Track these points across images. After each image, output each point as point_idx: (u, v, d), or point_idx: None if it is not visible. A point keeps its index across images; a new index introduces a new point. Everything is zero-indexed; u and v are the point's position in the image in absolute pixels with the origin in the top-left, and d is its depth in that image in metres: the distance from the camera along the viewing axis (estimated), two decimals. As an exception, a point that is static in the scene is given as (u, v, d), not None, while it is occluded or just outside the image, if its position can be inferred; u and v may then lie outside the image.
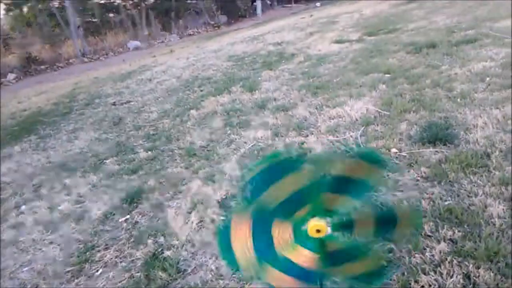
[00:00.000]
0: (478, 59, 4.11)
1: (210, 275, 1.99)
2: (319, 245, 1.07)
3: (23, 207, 3.10)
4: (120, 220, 2.68)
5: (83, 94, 7.04)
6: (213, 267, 2.04)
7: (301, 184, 1.07)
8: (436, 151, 2.56)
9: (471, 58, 4.23)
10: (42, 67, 13.05)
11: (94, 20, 17.57)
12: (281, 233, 1.07)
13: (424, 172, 2.36)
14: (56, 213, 2.91)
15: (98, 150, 4.05)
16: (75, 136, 4.63)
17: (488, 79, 3.54)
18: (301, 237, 1.07)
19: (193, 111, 4.64)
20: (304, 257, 1.07)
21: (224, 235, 1.10)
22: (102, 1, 18.05)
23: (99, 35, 16.19)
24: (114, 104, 5.83)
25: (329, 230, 1.07)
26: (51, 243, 2.55)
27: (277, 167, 1.09)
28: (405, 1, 10.57)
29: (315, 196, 1.09)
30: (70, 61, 13.79)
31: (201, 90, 5.58)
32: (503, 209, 1.90)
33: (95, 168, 3.61)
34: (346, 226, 1.09)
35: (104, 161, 3.73)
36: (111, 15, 18.49)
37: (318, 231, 1.06)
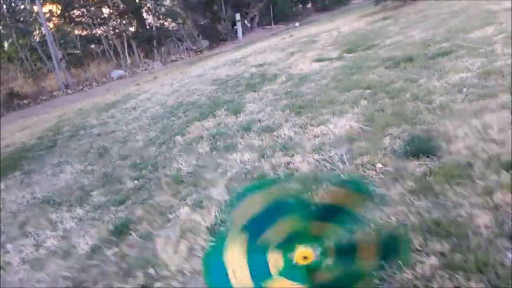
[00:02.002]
0: (454, 71, 4.21)
1: (202, 305, 1.95)
2: (306, 273, 1.07)
3: (9, 246, 3.03)
4: (108, 253, 2.63)
5: (67, 127, 6.99)
6: (204, 297, 2.01)
7: (287, 211, 1.08)
8: (420, 164, 2.59)
9: (448, 70, 4.33)
10: (25, 101, 12.97)
11: (76, 51, 17.63)
12: (274, 257, 1.07)
13: (410, 186, 2.38)
14: (42, 250, 2.85)
15: (84, 182, 4.00)
16: (60, 170, 4.57)
17: (465, 89, 3.63)
18: (288, 266, 1.06)
19: (178, 137, 4.63)
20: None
21: (215, 258, 1.09)
22: (84, 33, 18.15)
23: (81, 66, 16.22)
24: (99, 135, 5.79)
25: (315, 256, 1.07)
26: (38, 282, 2.49)
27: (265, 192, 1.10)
28: (380, 18, 10.84)
29: (302, 223, 1.10)
30: (54, 93, 13.73)
31: (186, 116, 5.59)
32: (489, 219, 1.91)
33: (81, 201, 3.56)
34: (334, 252, 1.09)
35: (91, 193, 3.68)
36: (92, 46, 18.58)
37: (305, 257, 1.06)
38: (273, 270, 1.08)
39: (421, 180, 2.40)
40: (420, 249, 1.86)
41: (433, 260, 1.76)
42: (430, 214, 2.08)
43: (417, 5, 11.36)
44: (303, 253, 1.06)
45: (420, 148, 2.75)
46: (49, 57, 14.76)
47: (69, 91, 13.91)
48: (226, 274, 1.07)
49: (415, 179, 2.43)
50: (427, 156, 2.65)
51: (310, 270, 1.07)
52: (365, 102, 4.05)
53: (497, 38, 4.98)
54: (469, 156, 2.52)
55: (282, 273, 1.08)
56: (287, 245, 1.08)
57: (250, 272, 1.07)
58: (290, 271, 1.07)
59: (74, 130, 6.55)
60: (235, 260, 1.08)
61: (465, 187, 2.23)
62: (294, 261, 1.06)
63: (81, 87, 14.33)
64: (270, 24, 20.70)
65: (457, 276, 1.65)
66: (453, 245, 1.82)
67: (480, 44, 4.94)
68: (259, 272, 1.07)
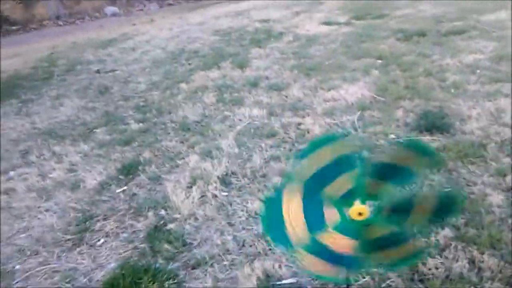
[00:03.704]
0: (468, 51, 4.23)
1: (217, 250, 2.01)
2: (359, 228, 1.11)
3: (12, 173, 3.00)
4: (117, 191, 2.64)
5: (62, 59, 6.76)
6: (218, 242, 2.06)
7: (349, 169, 1.10)
8: (434, 139, 2.65)
9: (461, 49, 4.34)
10: (14, 27, 12.37)
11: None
12: (330, 212, 1.11)
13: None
14: (48, 180, 2.83)
15: (86, 118, 3.93)
16: (59, 103, 4.46)
17: (478, 71, 3.66)
18: (343, 221, 1.10)
19: (183, 85, 4.56)
20: (342, 243, 1.11)
21: (273, 206, 1.12)
22: (78, -39, 17.13)
23: (74, -3, 15.43)
24: (98, 72, 5.64)
25: (370, 213, 1.11)
26: (46, 210, 2.50)
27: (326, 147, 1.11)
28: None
29: (360, 181, 1.12)
30: (44, 23, 13.11)
31: (189, 64, 5.48)
32: (502, 199, 2.00)
33: (84, 136, 3.52)
34: (394, 210, 1.13)
35: (94, 130, 3.64)
36: (87, -23, 17.60)
37: (360, 214, 1.10)
38: (328, 223, 1.11)
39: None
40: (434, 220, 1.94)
41: (447, 231, 1.84)
42: (443, 188, 2.16)
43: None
44: (358, 209, 1.10)
45: (434, 123, 2.80)
46: (41, -17, 13.97)
47: (60, 23, 13.32)
48: (283, 223, 1.10)
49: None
50: (441, 133, 2.71)
51: (364, 226, 1.11)
52: (377, 72, 4.05)
53: (510, 24, 4.98)
54: (482, 137, 2.59)
55: (337, 228, 1.12)
56: (344, 200, 1.11)
57: (306, 224, 1.10)
58: (344, 225, 1.11)
59: (70, 64, 6.34)
60: (293, 211, 1.11)
61: (478, 166, 2.31)
62: (349, 217, 1.10)
63: (73, 20, 13.72)
64: (274, -21, 19.99)
65: (470, 248, 1.74)
66: (466, 220, 1.90)
67: (494, 27, 4.94)
68: (315, 224, 1.11)
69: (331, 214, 1.12)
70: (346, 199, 1.11)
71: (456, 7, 6.70)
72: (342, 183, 1.11)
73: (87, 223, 2.33)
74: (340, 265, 1.16)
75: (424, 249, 1.50)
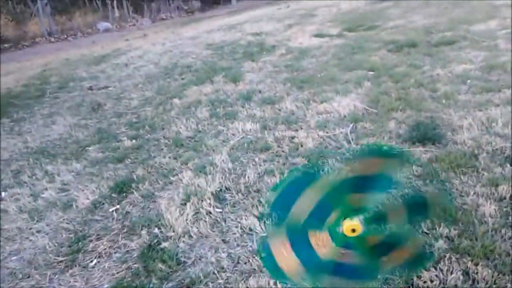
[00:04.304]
0: (458, 61, 4.27)
1: (211, 267, 1.99)
2: (360, 242, 1.10)
3: (3, 194, 2.96)
4: (110, 210, 2.62)
5: (55, 77, 6.76)
6: (213, 260, 2.05)
7: (324, 191, 1.10)
8: (426, 150, 2.66)
9: (451, 59, 4.39)
10: (6, 45, 12.38)
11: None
12: (320, 241, 1.10)
13: (416, 171, 2.45)
14: (40, 201, 2.80)
15: (78, 136, 3.92)
16: (52, 121, 4.45)
17: (469, 81, 3.69)
18: (340, 240, 1.09)
19: (176, 100, 4.56)
20: (349, 256, 1.10)
21: (268, 259, 1.12)
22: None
23: (67, 13, 15.52)
24: (90, 88, 5.64)
25: (363, 227, 1.11)
26: (38, 231, 2.46)
27: (299, 181, 1.11)
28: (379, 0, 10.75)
29: (342, 199, 1.12)
30: (36, 40, 13.15)
31: (182, 79, 5.50)
32: (494, 209, 2.00)
33: (77, 155, 3.50)
34: (378, 219, 1.13)
35: (87, 148, 3.62)
36: (80, -7, 17.73)
37: (353, 230, 1.09)
38: (320, 253, 1.11)
39: (427, 166, 2.47)
40: (428, 232, 1.94)
41: (441, 243, 1.84)
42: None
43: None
44: (351, 226, 1.09)
45: (425, 134, 2.81)
46: (34, 0, 14.04)
47: (52, 39, 13.35)
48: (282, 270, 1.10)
49: (422, 164, 2.49)
50: (433, 143, 2.72)
51: (362, 240, 1.11)
52: (369, 83, 4.07)
53: (500, 33, 5.05)
54: (474, 147, 2.60)
55: (337, 246, 1.11)
56: (332, 223, 1.11)
57: (300, 260, 1.10)
58: (344, 242, 1.11)
59: (63, 81, 6.34)
60: (284, 253, 1.10)
61: (470, 176, 2.31)
62: (344, 235, 1.09)
63: (65, 36, 13.77)
64: (266, -8, 20.20)
65: (465, 260, 1.73)
66: (459, 231, 1.90)
67: (483, 37, 5.00)
68: (308, 258, 1.10)
69: (321, 242, 1.12)
70: (335, 221, 1.11)
71: (446, 17, 6.79)
72: (325, 206, 1.11)
73: (79, 243, 2.30)
74: (355, 278, 1.16)
75: (426, 254, 1.50)
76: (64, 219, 2.57)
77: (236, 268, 1.97)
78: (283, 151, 3.01)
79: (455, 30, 5.63)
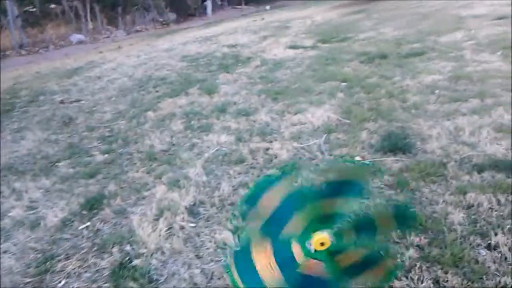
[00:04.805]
0: (426, 72, 4.39)
1: (184, 284, 1.95)
2: (329, 257, 1.10)
3: (-33, 213, 2.85)
4: (80, 228, 2.55)
5: (25, 90, 6.59)
6: (186, 276, 2.01)
7: (292, 195, 1.11)
8: (397, 160, 2.70)
9: (420, 70, 4.51)
10: (-26, 58, 12.03)
11: (33, 10, 16.50)
12: (296, 250, 1.10)
13: (387, 180, 2.48)
14: (6, 220, 2.70)
15: (48, 152, 3.81)
16: (21, 136, 4.32)
17: (437, 91, 3.79)
18: (310, 253, 1.09)
19: (150, 113, 4.51)
20: (319, 269, 1.10)
21: (242, 258, 1.10)
22: (43, -10, 16.98)
23: (38, 26, 15.22)
24: (62, 102, 5.52)
25: (332, 240, 1.11)
26: (5, 252, 2.37)
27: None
28: (352, 12, 11.01)
29: (314, 204, 1.12)
30: (7, 53, 12.83)
31: (157, 91, 5.46)
32: (462, 217, 2.05)
33: (46, 171, 3.40)
34: (347, 232, 1.14)
35: (56, 163, 3.53)
36: (52, 5, 17.45)
37: (322, 244, 1.09)
38: (299, 261, 1.10)
39: (398, 175, 2.51)
40: (399, 241, 1.96)
41: (412, 252, 1.86)
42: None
43: (387, 3, 11.63)
44: (319, 240, 1.09)
45: (396, 144, 2.87)
46: (4, 12, 13.72)
47: (23, 52, 13.06)
48: (257, 273, 1.08)
49: (393, 174, 2.53)
50: (403, 153, 2.77)
51: (331, 254, 1.11)
52: (342, 94, 4.14)
53: (466, 44, 5.23)
54: (443, 156, 2.66)
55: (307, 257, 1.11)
56: (304, 235, 1.11)
57: (279, 268, 1.09)
58: (314, 255, 1.10)
59: (33, 95, 6.19)
60: (263, 260, 1.09)
61: (439, 185, 2.36)
62: (314, 249, 1.09)
63: (37, 49, 13.49)
64: (241, 4, 20.38)
65: (435, 268, 1.76)
66: (430, 239, 1.93)
67: (450, 48, 5.17)
68: (287, 265, 1.09)
69: (298, 251, 1.12)
70: (306, 233, 1.11)
71: (415, 29, 7.00)
72: (300, 217, 1.11)
73: (47, 263, 2.22)
74: None
75: (397, 265, 1.51)
76: (31, 239, 2.48)
77: (209, 284, 1.94)
78: (257, 163, 3.01)
79: (424, 42, 5.81)
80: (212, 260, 2.09)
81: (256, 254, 1.09)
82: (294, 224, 1.09)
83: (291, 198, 1.11)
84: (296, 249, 1.10)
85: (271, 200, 1.09)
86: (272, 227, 1.08)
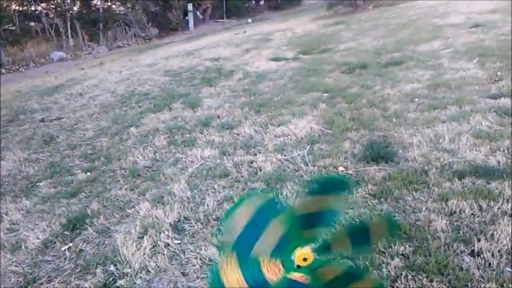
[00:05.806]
0: (406, 81, 4.47)
1: (170, 304, 1.92)
2: (311, 272, 1.09)
3: None
4: (62, 249, 2.49)
5: (5, 110, 6.48)
6: (171, 295, 1.98)
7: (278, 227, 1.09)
8: (380, 169, 2.73)
9: (400, 79, 4.59)
10: (-48, 77, 11.80)
11: (12, 28, 16.32)
12: (271, 268, 1.08)
13: (371, 190, 2.50)
14: (-14, 244, 2.63)
15: (28, 172, 3.74)
16: (1, 157, 4.23)
17: (417, 100, 3.86)
18: (291, 268, 1.08)
19: (132, 129, 4.48)
20: (299, 276, 1.08)
21: (216, 281, 1.08)
22: (22, 8, 16.85)
23: (18, 44, 15.06)
24: (42, 120, 5.44)
25: (315, 256, 1.10)
26: (-17, 278, 2.30)
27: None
28: (332, 23, 11.18)
29: (294, 234, 1.11)
30: (-15, 71, 12.63)
31: (140, 107, 5.42)
32: (445, 224, 2.07)
33: (27, 191, 3.33)
34: (329, 248, 1.13)
35: (37, 184, 3.46)
36: (32, 23, 17.31)
37: (305, 259, 1.08)
38: (270, 281, 1.08)
39: (381, 184, 2.53)
40: (384, 251, 1.96)
41: (397, 261, 1.87)
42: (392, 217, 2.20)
43: (367, 13, 11.86)
44: (302, 255, 1.08)
45: (379, 153, 2.90)
46: (-18, 32, 13.56)
47: (3, 71, 12.88)
48: None
49: (376, 183, 2.55)
50: (386, 162, 2.80)
51: (314, 269, 1.09)
52: (324, 105, 4.17)
53: (443, 53, 5.35)
54: (424, 163, 2.69)
55: (282, 282, 1.09)
56: (283, 250, 1.10)
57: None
58: (295, 270, 1.09)
59: (13, 114, 6.08)
60: (233, 281, 1.07)
61: (422, 192, 2.39)
62: (296, 264, 1.08)
63: (17, 67, 13.33)
64: (223, 18, 20.52)
65: (420, 277, 1.76)
66: (414, 248, 1.94)
67: (428, 57, 5.28)
68: (256, 283, 1.08)
69: (272, 270, 1.10)
70: (286, 248, 1.10)
71: (394, 39, 7.13)
72: (272, 234, 1.09)
73: (29, 287, 2.17)
74: None
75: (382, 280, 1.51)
76: (12, 262, 2.41)
77: (195, 302, 1.91)
78: (242, 176, 3.01)
79: (402, 51, 5.92)
80: (198, 277, 2.07)
81: (226, 271, 1.08)
82: (267, 240, 1.08)
83: (263, 213, 1.09)
84: (269, 266, 1.09)
85: (243, 215, 1.07)
86: (241, 244, 1.07)
